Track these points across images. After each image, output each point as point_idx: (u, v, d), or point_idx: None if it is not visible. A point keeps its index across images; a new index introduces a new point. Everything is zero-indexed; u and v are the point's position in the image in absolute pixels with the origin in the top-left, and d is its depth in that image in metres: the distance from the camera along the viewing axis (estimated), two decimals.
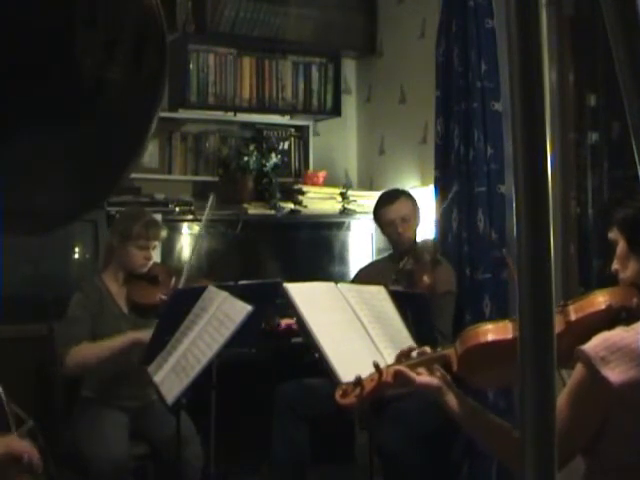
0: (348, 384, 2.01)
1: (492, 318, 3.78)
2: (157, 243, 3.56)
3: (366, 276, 3.82)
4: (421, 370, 1.94)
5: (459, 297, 3.81)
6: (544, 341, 0.67)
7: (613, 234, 1.97)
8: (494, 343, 1.87)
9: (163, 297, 3.39)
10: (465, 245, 3.94)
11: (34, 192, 0.80)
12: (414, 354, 1.99)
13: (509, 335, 1.86)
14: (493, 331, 1.88)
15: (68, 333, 3.37)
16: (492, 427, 1.91)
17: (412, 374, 1.92)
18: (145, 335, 3.22)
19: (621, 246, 1.95)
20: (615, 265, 1.97)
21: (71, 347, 3.32)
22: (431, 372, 1.93)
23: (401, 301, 2.93)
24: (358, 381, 1.98)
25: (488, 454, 3.42)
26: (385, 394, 2.05)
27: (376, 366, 1.97)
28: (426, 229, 4.05)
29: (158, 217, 3.86)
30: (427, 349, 1.99)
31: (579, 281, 3.87)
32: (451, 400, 1.90)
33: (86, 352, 3.33)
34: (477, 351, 1.87)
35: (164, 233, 3.58)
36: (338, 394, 2.01)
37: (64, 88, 0.75)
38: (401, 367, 1.94)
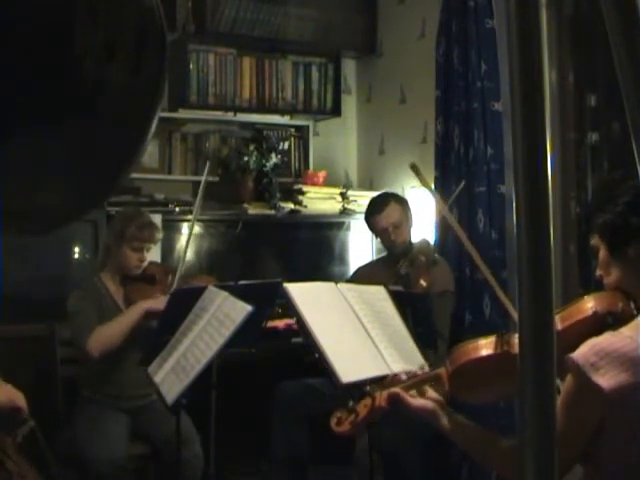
0: (342, 411, 2.06)
1: (492, 318, 3.78)
2: (152, 245, 3.54)
3: (364, 276, 3.82)
4: (413, 393, 1.99)
5: (459, 297, 3.81)
6: (544, 341, 0.67)
7: (594, 241, 1.94)
8: (482, 359, 1.89)
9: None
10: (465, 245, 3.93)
11: (34, 192, 0.80)
12: (404, 377, 2.04)
13: (496, 350, 1.87)
14: (480, 348, 1.91)
15: (78, 325, 3.35)
16: (486, 444, 1.94)
17: (408, 398, 1.97)
18: (155, 302, 3.25)
19: (602, 252, 1.92)
20: (599, 271, 1.95)
21: (87, 336, 3.30)
22: (423, 394, 1.98)
23: (401, 301, 2.93)
24: (352, 408, 2.01)
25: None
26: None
27: (369, 392, 2.01)
28: (426, 229, 4.04)
29: (158, 217, 3.85)
30: (417, 371, 2.05)
31: (579, 281, 3.86)
32: (445, 424, 1.95)
33: (106, 333, 3.31)
34: (466, 369, 1.91)
35: (160, 235, 3.57)
36: (333, 422, 2.07)
37: (64, 88, 0.75)
38: (396, 390, 1.98)
